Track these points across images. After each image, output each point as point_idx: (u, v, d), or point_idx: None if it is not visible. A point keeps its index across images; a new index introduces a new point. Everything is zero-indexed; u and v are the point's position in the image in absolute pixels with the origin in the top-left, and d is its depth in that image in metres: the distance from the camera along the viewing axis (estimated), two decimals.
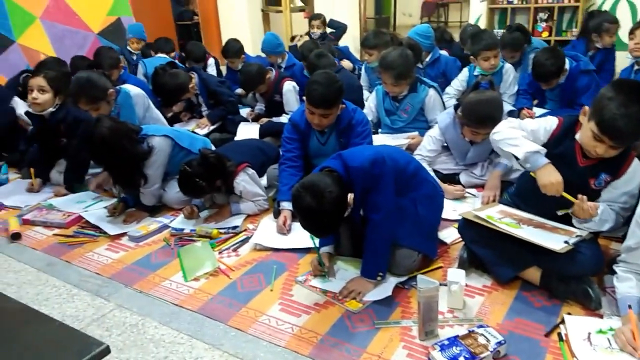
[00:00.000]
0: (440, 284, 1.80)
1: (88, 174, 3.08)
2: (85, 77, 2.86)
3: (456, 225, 2.14)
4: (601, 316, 1.66)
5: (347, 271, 2.01)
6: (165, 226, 2.51)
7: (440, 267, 2.03)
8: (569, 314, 1.66)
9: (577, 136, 1.77)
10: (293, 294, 1.91)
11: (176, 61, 4.29)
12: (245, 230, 2.44)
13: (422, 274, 1.93)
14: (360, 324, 1.72)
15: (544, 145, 1.82)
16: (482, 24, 5.62)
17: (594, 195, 1.78)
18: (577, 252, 1.70)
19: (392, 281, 1.90)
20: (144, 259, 2.25)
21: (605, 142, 1.64)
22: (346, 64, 4.56)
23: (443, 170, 2.82)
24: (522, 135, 1.83)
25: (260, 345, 1.65)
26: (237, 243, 2.32)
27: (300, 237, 2.25)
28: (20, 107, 3.41)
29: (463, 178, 2.79)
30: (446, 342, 1.53)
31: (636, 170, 1.73)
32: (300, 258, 2.15)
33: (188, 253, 2.22)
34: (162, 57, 4.61)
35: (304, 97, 2.42)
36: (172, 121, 3.72)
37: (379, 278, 1.88)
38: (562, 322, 1.63)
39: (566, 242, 1.71)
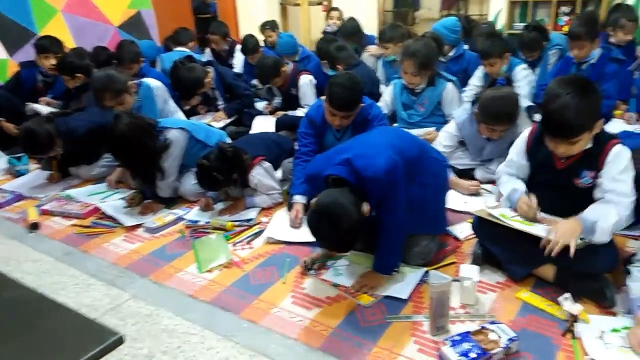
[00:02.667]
0: (453, 280, 1.80)
1: (103, 165, 3.13)
2: (104, 74, 2.90)
3: (470, 220, 2.13)
4: (615, 314, 1.64)
5: (359, 266, 2.01)
6: (181, 218, 2.55)
7: (454, 263, 2.02)
8: (575, 318, 1.63)
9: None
10: (305, 286, 1.93)
11: (194, 54, 4.33)
12: (259, 223, 2.46)
13: (435, 269, 1.94)
14: (372, 317, 1.73)
15: (528, 154, 1.85)
16: (503, 19, 5.52)
17: (586, 194, 1.75)
18: (592, 249, 1.68)
19: (409, 281, 1.89)
20: (160, 250, 2.29)
21: (558, 141, 1.63)
22: (374, 49, 4.45)
23: (459, 166, 2.80)
24: (506, 173, 1.95)
25: (272, 337, 1.67)
26: (251, 236, 2.34)
27: None
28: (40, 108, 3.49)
29: (479, 174, 2.77)
30: (457, 338, 1.53)
31: (618, 156, 1.68)
32: (313, 251, 2.16)
33: (203, 245, 2.25)
34: (179, 52, 4.65)
35: (323, 98, 2.42)
36: (189, 114, 3.75)
37: (394, 273, 1.88)
38: (576, 320, 1.61)
39: (582, 238, 1.69)
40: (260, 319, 1.75)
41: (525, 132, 1.90)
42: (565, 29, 5.22)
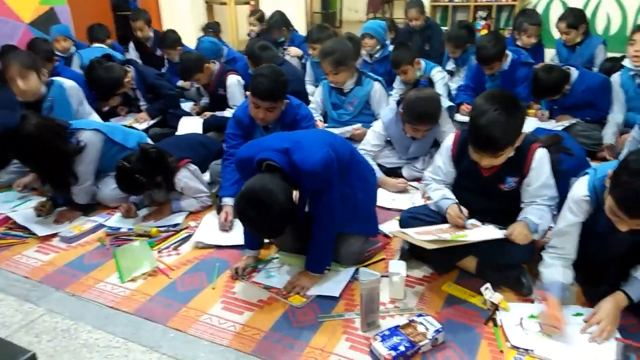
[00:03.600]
0: (382, 276, 1.84)
1: (12, 172, 2.90)
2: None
3: (398, 217, 2.19)
4: (532, 301, 1.75)
5: (291, 267, 2.01)
6: (101, 225, 2.41)
7: (383, 259, 2.07)
8: (497, 306, 1.71)
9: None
10: (236, 291, 1.89)
11: (114, 52, 4.12)
12: (186, 228, 2.38)
13: (365, 266, 1.98)
14: (304, 318, 1.72)
15: (453, 162, 1.93)
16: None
17: (510, 196, 1.86)
18: (510, 242, 1.78)
19: (341, 279, 1.91)
20: (77, 260, 2.15)
21: (483, 154, 1.72)
22: (294, 50, 4.51)
23: (386, 164, 2.88)
24: (434, 180, 2.01)
25: (201, 346, 1.62)
26: (178, 241, 2.26)
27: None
28: None
29: (405, 172, 2.86)
30: (387, 333, 1.56)
31: (541, 162, 1.79)
32: (243, 255, 2.11)
33: (125, 253, 2.14)
34: (98, 48, 4.42)
35: (248, 92, 2.39)
36: (109, 116, 3.57)
37: (325, 272, 1.89)
38: (497, 308, 1.70)
39: (500, 228, 1.81)
40: (188, 328, 1.69)
41: (449, 140, 1.96)
42: (483, 31, 5.54)
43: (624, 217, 1.39)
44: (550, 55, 4.22)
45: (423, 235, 1.76)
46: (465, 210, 1.86)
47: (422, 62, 3.52)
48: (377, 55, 4.00)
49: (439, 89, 3.30)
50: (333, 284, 1.88)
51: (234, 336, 1.65)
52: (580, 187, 1.62)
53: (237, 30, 6.13)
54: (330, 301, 1.80)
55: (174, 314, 1.76)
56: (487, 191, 1.87)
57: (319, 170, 1.72)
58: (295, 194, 1.74)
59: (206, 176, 2.65)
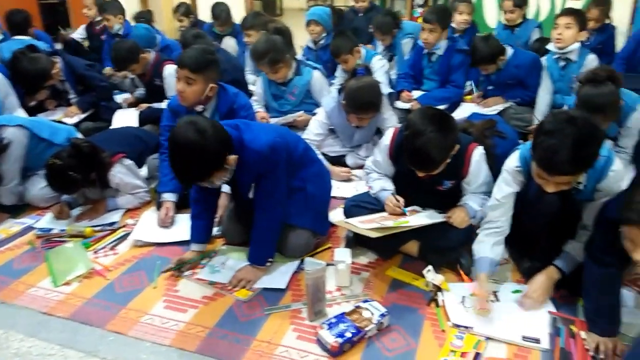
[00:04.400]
0: (328, 264, 1.85)
1: None
2: None
3: (342, 206, 2.20)
4: (472, 281, 1.81)
5: (235, 261, 1.98)
6: (30, 227, 2.28)
7: (329, 248, 2.08)
8: (438, 287, 1.76)
9: None
10: (179, 289, 1.85)
11: (39, 43, 3.87)
12: (124, 226, 2.30)
13: (311, 256, 1.98)
14: (250, 311, 1.71)
15: (391, 160, 1.96)
16: None
17: (448, 194, 1.92)
18: (449, 226, 1.85)
19: (286, 271, 1.91)
20: (5, 265, 2.02)
21: (420, 171, 1.77)
22: (229, 42, 4.43)
23: (330, 153, 2.89)
24: (374, 170, 2.03)
25: (142, 347, 1.57)
26: (115, 240, 2.18)
27: (185, 228, 2.16)
28: None
29: (349, 160, 2.88)
30: (334, 320, 1.57)
31: (479, 163, 1.85)
32: (186, 250, 2.06)
33: (57, 255, 2.03)
34: (19, 40, 4.13)
35: None
36: (37, 111, 3.36)
37: (268, 264, 1.88)
38: (439, 289, 1.75)
39: (440, 212, 1.89)
40: (128, 329, 1.64)
41: (386, 138, 1.97)
42: (420, 20, 5.65)
43: (546, 177, 1.49)
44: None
45: (367, 224, 1.79)
46: (401, 199, 1.90)
47: (363, 51, 3.54)
48: (322, 42, 3.98)
49: (380, 77, 3.34)
50: (279, 276, 1.88)
51: (177, 335, 1.61)
52: (512, 159, 1.72)
53: (172, 19, 5.92)
54: (277, 293, 1.80)
55: (112, 317, 1.70)
56: (425, 190, 1.92)
57: (265, 150, 1.73)
58: (232, 158, 1.69)
59: (143, 171, 2.56)
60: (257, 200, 1.84)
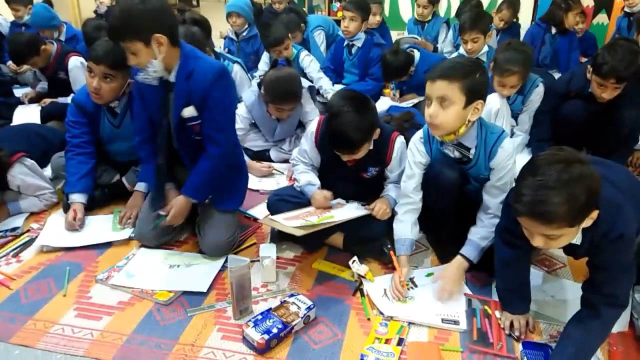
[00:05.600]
0: (253, 261, 1.84)
1: None
2: None
3: (266, 201, 2.19)
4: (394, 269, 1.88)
5: (154, 265, 1.91)
6: None
7: (254, 244, 2.06)
8: (363, 277, 1.81)
9: None
10: (91, 295, 1.75)
11: None
12: (28, 230, 2.13)
13: (235, 253, 1.95)
14: (172, 315, 1.65)
15: (318, 149, 1.98)
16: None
17: (372, 182, 1.99)
18: (372, 217, 1.90)
19: (208, 272, 1.86)
20: None
21: (341, 152, 1.83)
22: None
23: (254, 148, 2.86)
24: (302, 161, 2.04)
25: None
26: (18, 247, 2.01)
27: (96, 231, 2.08)
28: None
29: (273, 154, 2.87)
30: (259, 317, 1.56)
31: (401, 150, 1.93)
32: (99, 255, 1.97)
33: None
34: None
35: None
36: None
37: (207, 201, 1.95)
38: (364, 278, 1.80)
39: (363, 204, 1.94)
40: (36, 342, 1.52)
41: (312, 125, 2.00)
42: (340, 14, 5.75)
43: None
44: (396, 36, 4.52)
45: (292, 221, 1.79)
46: (329, 193, 1.93)
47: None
48: (244, 34, 3.91)
49: (314, 71, 3.30)
50: (201, 278, 1.82)
51: (91, 344, 1.52)
52: (417, 133, 1.83)
53: (79, 6, 5.55)
54: (200, 294, 1.75)
55: (17, 329, 1.57)
56: (351, 178, 1.97)
57: (220, 69, 1.80)
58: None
59: (47, 171, 2.40)
60: (206, 131, 1.83)
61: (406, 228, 1.82)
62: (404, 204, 1.86)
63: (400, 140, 1.93)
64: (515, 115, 2.73)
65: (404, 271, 1.76)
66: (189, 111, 1.81)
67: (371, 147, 1.86)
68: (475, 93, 1.59)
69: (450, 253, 1.81)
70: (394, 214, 1.91)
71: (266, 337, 1.47)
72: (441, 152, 1.77)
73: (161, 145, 1.92)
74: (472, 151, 1.72)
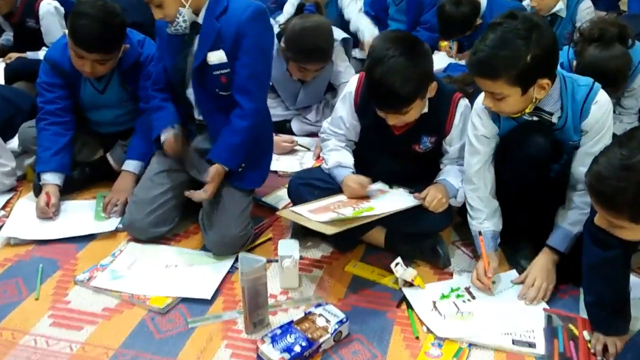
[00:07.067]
0: (269, 261, 1.88)
1: None
2: None
3: (286, 186, 2.21)
4: (451, 275, 1.89)
5: (147, 262, 1.97)
6: None
7: (270, 239, 2.10)
8: (410, 284, 1.82)
9: None
10: (70, 300, 1.81)
11: None
12: None
13: (248, 251, 1.99)
14: (170, 326, 1.70)
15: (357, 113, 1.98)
16: None
17: (426, 158, 1.98)
18: (422, 209, 1.88)
19: (213, 274, 1.89)
20: None
21: (386, 111, 1.81)
22: None
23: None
24: (334, 134, 2.05)
25: None
26: None
27: (75, 220, 2.15)
28: None
29: (295, 125, 2.90)
30: (279, 332, 1.59)
31: (464, 121, 1.91)
32: (78, 250, 2.04)
33: None
34: None
35: (67, 32, 2.20)
36: None
37: (240, 169, 2.00)
38: (412, 286, 1.81)
39: (411, 191, 1.93)
40: (2, 356, 1.59)
41: (351, 84, 1.99)
42: None
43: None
44: None
45: (320, 215, 1.80)
46: (365, 179, 1.92)
47: None
48: None
49: (353, 12, 3.30)
50: (204, 282, 1.86)
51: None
52: (480, 97, 1.78)
53: None
54: (204, 300, 1.79)
55: None
56: (399, 152, 1.96)
57: (259, 7, 1.89)
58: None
59: (14, 143, 2.50)
60: (239, 82, 1.91)
61: (480, 216, 1.83)
62: (469, 190, 1.86)
63: (464, 103, 1.92)
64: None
65: (493, 266, 1.77)
66: (216, 56, 1.88)
67: (426, 110, 1.85)
68: (533, 75, 1.60)
69: (522, 256, 1.82)
70: (451, 205, 1.91)
71: (287, 356, 1.50)
72: (515, 119, 1.76)
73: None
74: (557, 114, 1.70)
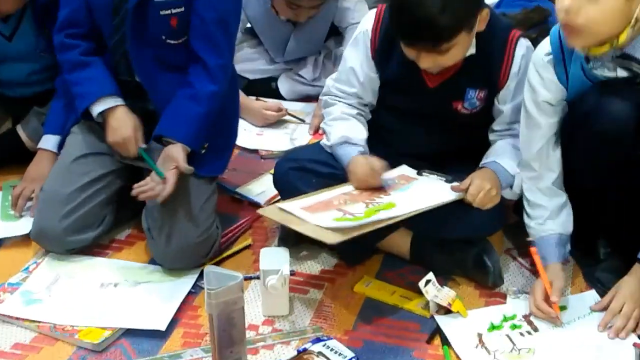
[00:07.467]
0: (247, 278, 1.89)
1: None
2: None
3: (272, 171, 2.21)
4: (504, 297, 1.90)
5: (75, 278, 1.98)
6: None
7: (249, 247, 2.12)
8: (446, 310, 1.82)
9: None
10: None
11: None
12: None
13: (217, 263, 2.00)
14: None
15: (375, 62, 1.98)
16: None
17: (472, 125, 1.99)
18: (463, 204, 1.88)
19: (168, 296, 1.91)
20: None
21: (419, 48, 1.78)
22: None
23: (249, 74, 2.90)
24: (343, 94, 2.05)
25: None
26: None
27: None
28: None
29: (284, 85, 2.92)
30: None
31: (524, 65, 1.89)
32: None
33: None
34: None
35: None
36: None
37: (202, 151, 2.02)
38: (449, 313, 1.82)
39: (447, 180, 1.92)
40: None
41: (367, 21, 1.99)
42: None
43: None
44: None
45: (318, 215, 1.79)
46: (378, 163, 1.90)
47: None
48: None
49: None
50: (156, 307, 1.88)
51: None
52: (540, 47, 1.79)
53: None
54: (157, 332, 1.79)
55: None
56: (433, 115, 1.96)
57: None
58: None
59: None
60: (201, 29, 1.92)
61: (542, 214, 1.83)
62: (527, 179, 1.86)
63: (525, 43, 1.91)
64: None
65: (557, 286, 1.76)
66: None
67: (473, 51, 1.85)
68: None
69: (604, 270, 1.83)
70: (504, 199, 1.92)
71: None
72: (590, 76, 1.73)
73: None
74: None
